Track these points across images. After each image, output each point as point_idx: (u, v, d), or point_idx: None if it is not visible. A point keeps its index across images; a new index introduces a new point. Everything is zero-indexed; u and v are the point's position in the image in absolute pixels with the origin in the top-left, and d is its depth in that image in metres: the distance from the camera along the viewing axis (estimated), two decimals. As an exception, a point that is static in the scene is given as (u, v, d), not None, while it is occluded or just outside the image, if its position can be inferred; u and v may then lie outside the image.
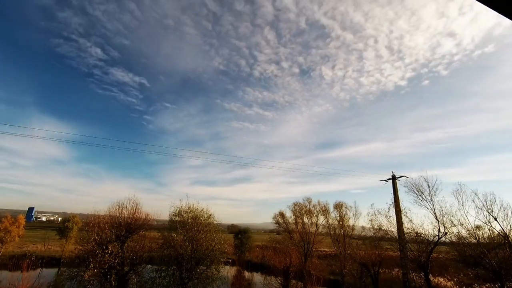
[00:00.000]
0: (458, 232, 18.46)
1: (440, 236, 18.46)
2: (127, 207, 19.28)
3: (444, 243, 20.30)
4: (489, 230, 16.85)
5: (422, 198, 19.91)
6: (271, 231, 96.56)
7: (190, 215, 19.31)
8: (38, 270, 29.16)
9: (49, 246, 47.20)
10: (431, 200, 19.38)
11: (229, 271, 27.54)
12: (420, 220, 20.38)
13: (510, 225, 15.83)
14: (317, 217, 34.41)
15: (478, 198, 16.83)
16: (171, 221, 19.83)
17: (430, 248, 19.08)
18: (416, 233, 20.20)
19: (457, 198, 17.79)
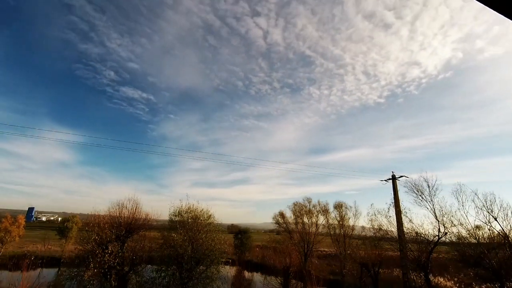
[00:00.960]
0: (458, 232, 18.46)
1: (440, 236, 18.45)
2: (127, 207, 19.28)
3: (444, 243, 20.28)
4: (489, 230, 16.85)
5: (422, 198, 19.90)
6: (271, 231, 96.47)
7: (190, 215, 19.31)
8: (38, 270, 29.17)
9: (49, 246, 47.19)
10: (431, 200, 19.37)
11: (229, 271, 27.53)
12: (420, 220, 20.32)
13: (510, 225, 15.83)
14: (317, 217, 34.43)
15: (478, 198, 16.84)
16: (171, 221, 19.82)
17: (430, 248, 19.07)
18: (416, 233, 20.18)
19: (457, 198, 17.79)
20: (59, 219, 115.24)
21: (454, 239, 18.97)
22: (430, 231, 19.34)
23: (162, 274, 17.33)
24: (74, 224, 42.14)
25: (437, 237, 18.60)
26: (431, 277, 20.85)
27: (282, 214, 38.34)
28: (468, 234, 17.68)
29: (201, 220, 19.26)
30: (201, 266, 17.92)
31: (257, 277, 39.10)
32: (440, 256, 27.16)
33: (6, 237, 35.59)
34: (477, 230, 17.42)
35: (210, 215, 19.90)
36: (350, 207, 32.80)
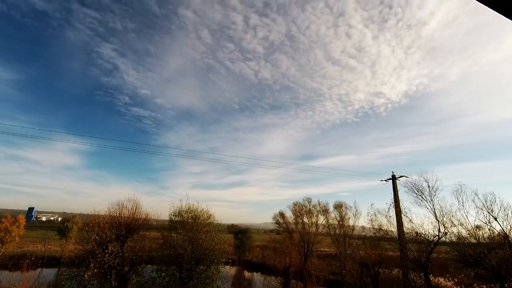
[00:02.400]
0: (458, 232, 18.46)
1: (440, 236, 18.44)
2: (127, 207, 19.29)
3: (444, 243, 20.28)
4: (489, 230, 16.85)
5: (422, 198, 19.89)
6: (271, 231, 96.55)
7: (190, 215, 19.31)
8: (38, 270, 29.17)
9: (49, 246, 47.21)
10: (431, 200, 19.36)
11: (229, 271, 27.52)
12: (420, 220, 20.29)
13: (510, 225, 15.83)
14: (317, 217, 34.41)
15: (478, 198, 16.84)
16: (171, 221, 19.82)
17: (430, 248, 19.06)
18: (416, 233, 20.17)
19: (457, 198, 17.80)
20: (59, 219, 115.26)
21: (454, 239, 18.96)
22: (430, 231, 19.34)
23: (162, 274, 17.33)
24: (74, 224, 42.13)
25: (437, 237, 18.59)
26: (431, 277, 20.85)
27: (282, 214, 38.37)
28: (468, 234, 17.68)
29: (201, 220, 19.26)
30: (201, 266, 17.92)
31: (257, 277, 39.12)
32: (440, 256, 27.17)
33: (6, 237, 35.58)
34: (477, 230, 17.42)
35: (210, 215, 19.91)
36: (350, 207, 32.77)
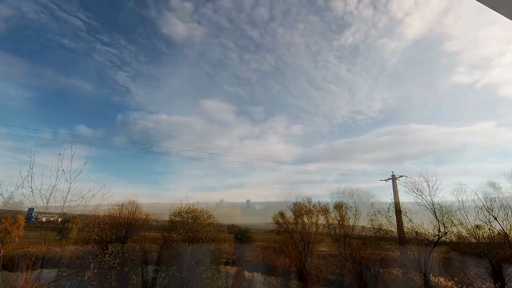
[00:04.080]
0: (458, 232, 18.45)
1: (440, 235, 18.45)
2: (127, 208, 19.28)
3: (444, 243, 20.28)
4: (489, 229, 16.86)
5: (422, 197, 19.90)
6: (271, 231, 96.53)
7: (190, 215, 19.32)
8: (38, 270, 29.12)
9: (49, 247, 47.17)
10: (431, 200, 19.38)
11: (229, 271, 27.45)
12: (420, 219, 20.30)
13: (510, 225, 15.85)
14: (317, 217, 34.33)
15: (478, 197, 16.86)
16: (171, 221, 19.83)
17: (430, 248, 19.07)
18: (416, 233, 20.18)
19: (457, 197, 17.81)
20: (59, 219, 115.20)
21: (454, 238, 18.97)
22: (430, 230, 19.33)
23: (162, 275, 17.34)
24: (74, 225, 42.11)
25: (437, 237, 18.59)
26: (431, 277, 20.85)
27: (282, 214, 38.18)
28: (468, 233, 17.69)
29: (201, 220, 19.27)
30: (201, 266, 17.92)
31: (257, 277, 39.11)
32: (440, 256, 27.14)
33: (6, 238, 35.55)
34: (477, 229, 17.43)
35: (210, 215, 19.92)
36: (350, 207, 32.73)
